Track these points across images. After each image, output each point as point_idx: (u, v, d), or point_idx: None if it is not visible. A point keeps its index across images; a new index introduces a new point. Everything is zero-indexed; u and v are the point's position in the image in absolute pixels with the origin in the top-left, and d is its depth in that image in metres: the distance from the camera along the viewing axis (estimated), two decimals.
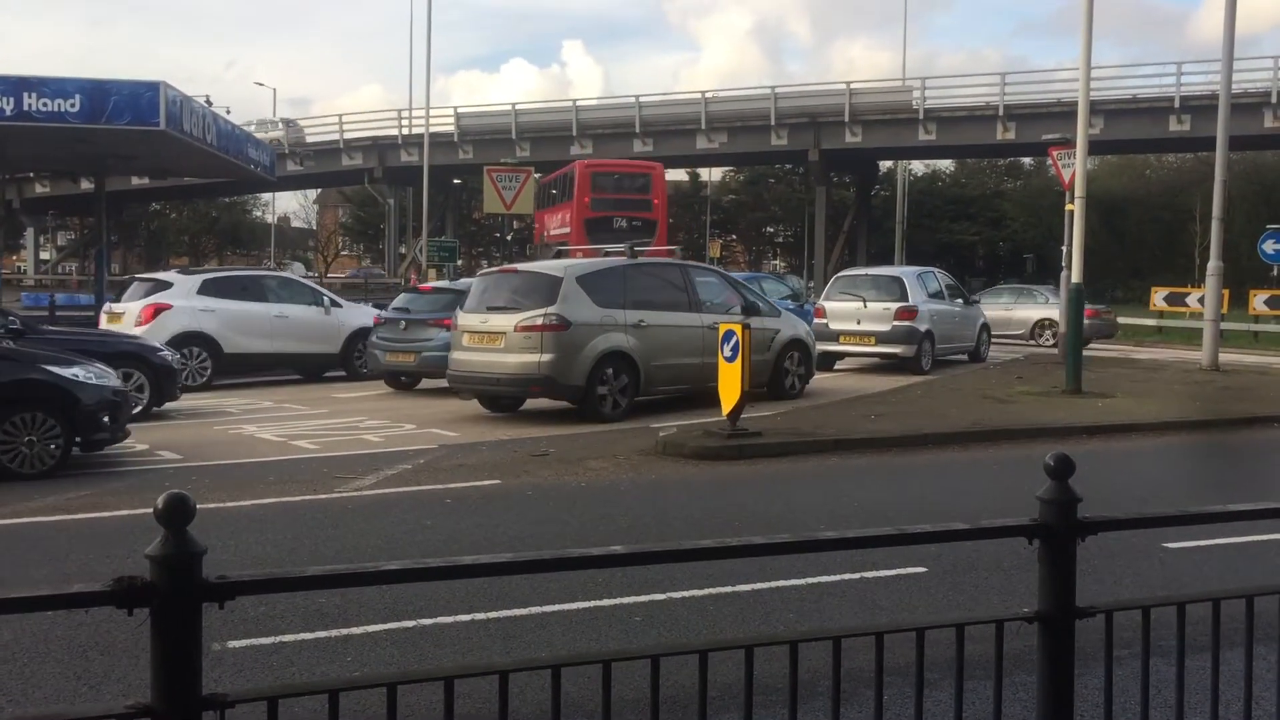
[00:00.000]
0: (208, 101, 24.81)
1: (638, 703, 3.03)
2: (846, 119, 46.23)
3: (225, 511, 8.32)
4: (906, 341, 19.58)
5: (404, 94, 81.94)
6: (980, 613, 5.36)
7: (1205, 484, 10.21)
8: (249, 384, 18.19)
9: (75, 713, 3.82)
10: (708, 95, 49.83)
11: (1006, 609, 2.80)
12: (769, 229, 78.58)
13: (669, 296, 14.48)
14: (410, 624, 5.58)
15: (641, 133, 49.02)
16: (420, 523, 8.05)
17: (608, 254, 19.43)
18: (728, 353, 11.22)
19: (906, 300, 19.79)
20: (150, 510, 2.09)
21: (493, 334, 13.54)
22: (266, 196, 76.97)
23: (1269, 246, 29.38)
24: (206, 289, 18.00)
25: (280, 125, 57.99)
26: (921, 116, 45.19)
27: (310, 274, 68.95)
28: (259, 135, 40.02)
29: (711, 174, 72.78)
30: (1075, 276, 16.84)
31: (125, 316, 17.50)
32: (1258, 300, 31.79)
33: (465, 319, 14.00)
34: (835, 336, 19.75)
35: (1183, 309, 34.00)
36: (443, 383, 16.77)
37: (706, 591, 6.09)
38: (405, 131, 53.15)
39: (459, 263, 43.54)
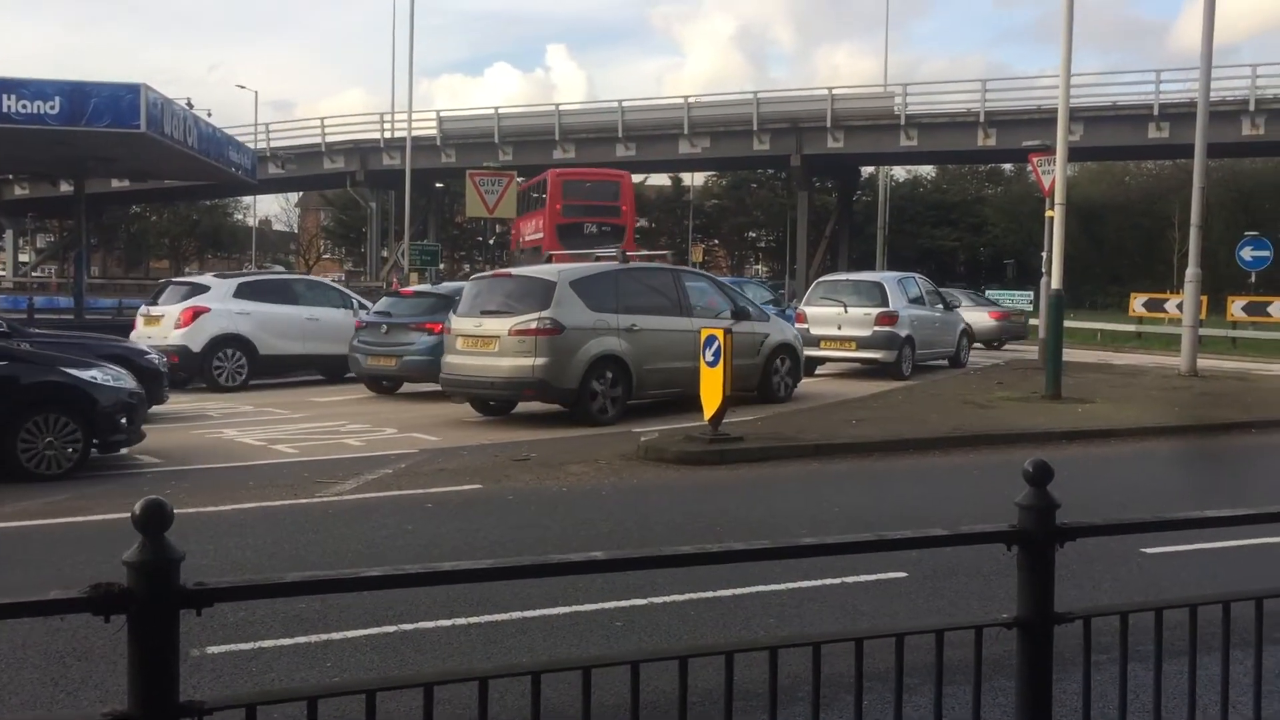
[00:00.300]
0: (189, 104, 24.69)
1: (618, 708, 3.03)
2: (829, 124, 46.39)
3: (205, 516, 8.28)
4: (887, 347, 19.63)
5: (386, 97, 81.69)
6: (960, 618, 5.39)
7: (1183, 489, 10.28)
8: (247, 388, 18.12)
9: (53, 719, 3.80)
10: (690, 100, 49.94)
11: (986, 614, 2.81)
12: (751, 234, 78.78)
13: (660, 301, 14.59)
14: (391, 629, 5.57)
15: (624, 137, 49.07)
16: (401, 528, 8.03)
17: (599, 259, 19.49)
18: (710, 357, 11.24)
19: (887, 305, 19.86)
20: (129, 515, 2.08)
21: (487, 338, 13.59)
22: (248, 199, 76.72)
23: (1246, 253, 29.65)
24: (242, 292, 18.44)
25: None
26: (903, 122, 45.38)
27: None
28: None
29: (694, 179, 72.91)
30: (1055, 282, 16.94)
31: (164, 319, 17.93)
32: (1235, 306, 32.04)
33: (459, 323, 14.04)
34: (816, 341, 19.78)
35: (1161, 315, 34.23)
36: (424, 387, 16.78)
37: (687, 596, 6.09)
38: (387, 135, 53.04)
39: (441, 267, 43.47)
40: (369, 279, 53.89)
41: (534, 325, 13.28)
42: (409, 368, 16.35)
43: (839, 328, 19.96)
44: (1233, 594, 3.11)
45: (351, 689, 2.31)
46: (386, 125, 53.39)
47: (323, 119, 57.51)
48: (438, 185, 60.38)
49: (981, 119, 44.17)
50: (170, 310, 18.08)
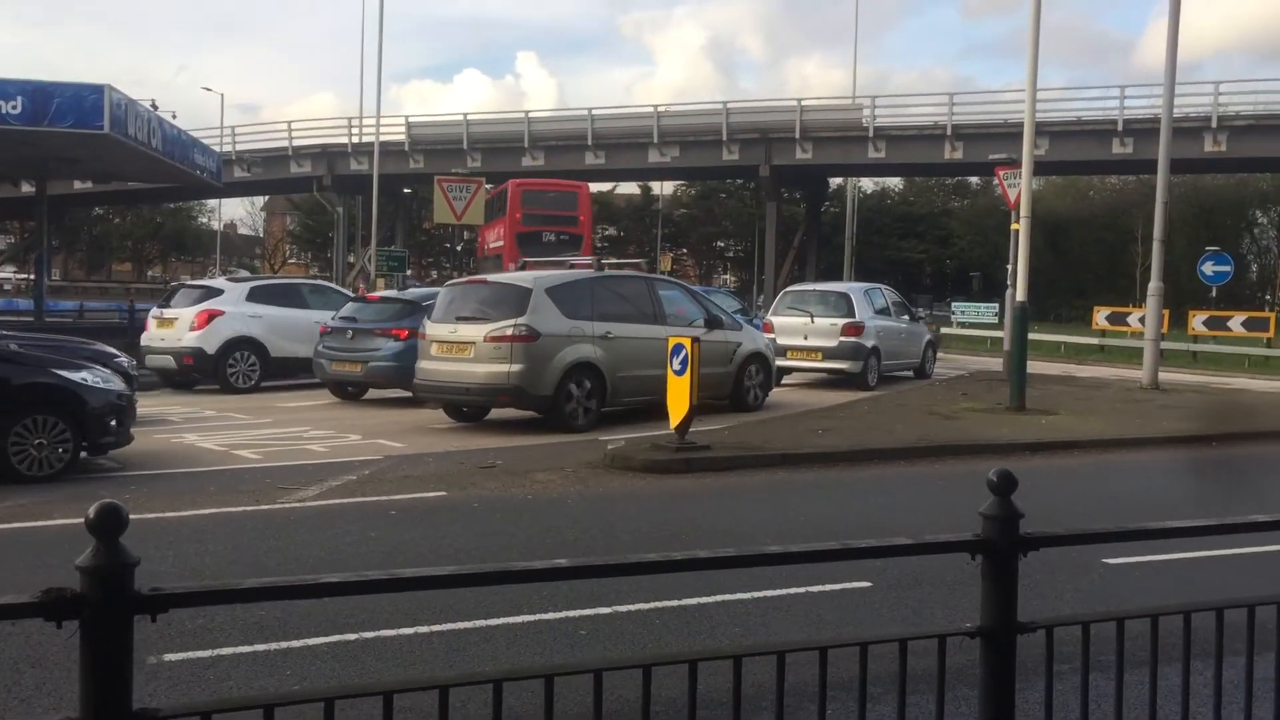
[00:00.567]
0: (153, 105, 24.48)
1: (582, 716, 3.01)
2: (797, 135, 46.61)
3: (164, 522, 8.18)
4: (853, 357, 19.72)
5: (355, 102, 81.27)
6: (924, 627, 5.40)
7: (1145, 501, 10.36)
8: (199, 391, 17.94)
9: None
10: (660, 109, 50.03)
11: (950, 624, 2.81)
12: (720, 243, 79.01)
13: (635, 309, 14.64)
14: (352, 637, 5.51)
15: (594, 145, 49.07)
16: (364, 535, 7.96)
17: (572, 266, 19.52)
18: (677, 366, 11.24)
19: (854, 316, 19.95)
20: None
21: (462, 344, 13.58)
22: (213, 203, 76.14)
23: (1208, 268, 30.03)
24: (254, 296, 18.79)
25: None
26: (871, 134, 45.66)
27: None
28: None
29: (663, 187, 73.05)
30: (1020, 295, 17.07)
31: (179, 322, 18.24)
32: (1197, 321, 32.45)
33: (434, 328, 14.01)
34: (783, 351, 19.81)
35: (1124, 328, 34.61)
36: (390, 393, 16.68)
37: (652, 605, 6.07)
38: (355, 140, 52.75)
39: (408, 272, 43.29)
40: (335, 284, 53.51)
41: (510, 332, 13.27)
42: (374, 373, 16.26)
43: (805, 338, 20.02)
44: (1194, 605, 3.13)
45: (310, 697, 2.27)
46: (354, 130, 53.12)
47: (290, 123, 57.17)
48: (406, 191, 60.17)
49: (949, 132, 44.52)
50: (185, 313, 18.35)
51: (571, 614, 5.91)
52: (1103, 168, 51.52)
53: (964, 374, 23.54)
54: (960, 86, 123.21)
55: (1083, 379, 23.25)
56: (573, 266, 18.05)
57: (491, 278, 16.23)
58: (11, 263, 65.63)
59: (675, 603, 6.10)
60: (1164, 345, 23.65)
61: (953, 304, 45.82)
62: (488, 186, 31.84)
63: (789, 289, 23.46)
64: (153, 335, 18.54)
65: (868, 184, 66.76)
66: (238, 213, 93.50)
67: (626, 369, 13.97)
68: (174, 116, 28.08)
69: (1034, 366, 20.14)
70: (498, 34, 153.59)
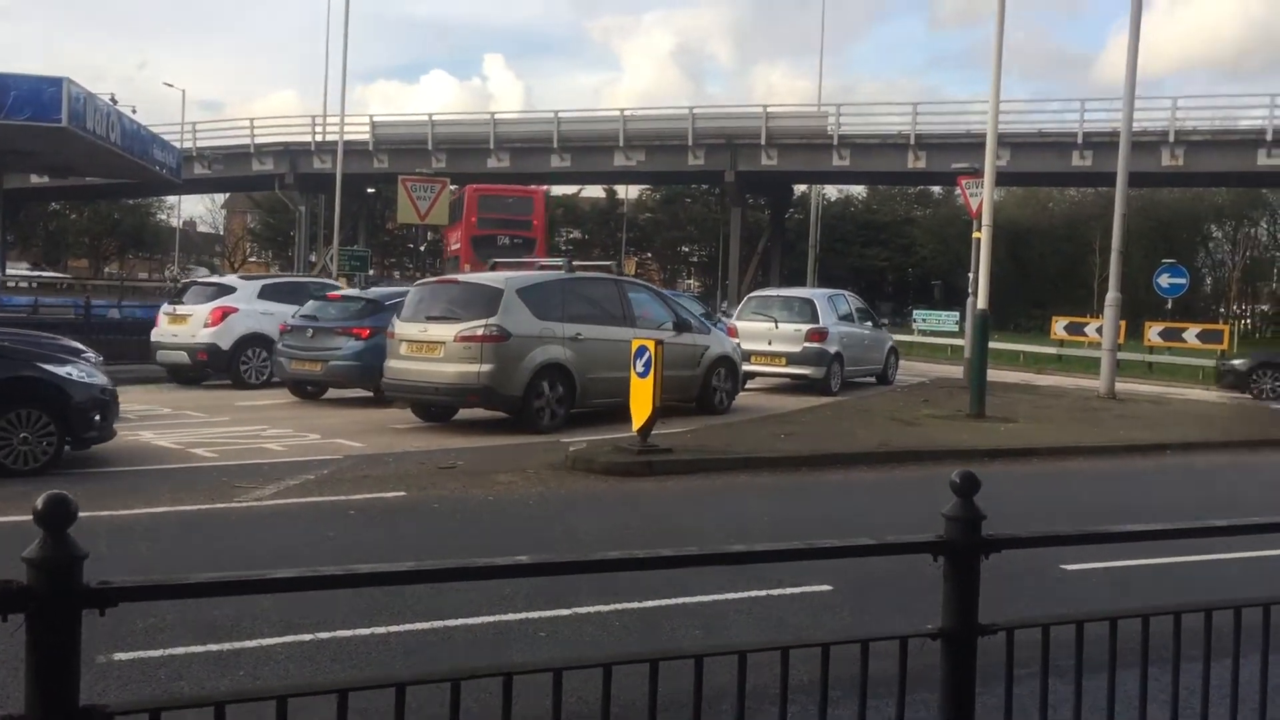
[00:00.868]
0: (113, 100, 24.16)
1: (541, 718, 2.98)
2: (763, 142, 46.78)
3: (116, 520, 8.05)
4: (816, 363, 19.80)
5: (319, 101, 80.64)
6: (885, 630, 5.40)
7: (1103, 507, 10.45)
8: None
9: None
10: (626, 113, 50.04)
11: (911, 627, 2.80)
12: (684, 248, 79.07)
13: (605, 311, 14.67)
14: (307, 637, 5.44)
15: (560, 148, 49.01)
16: (322, 534, 7.88)
17: (542, 268, 19.51)
18: (640, 368, 11.22)
19: (817, 322, 20.04)
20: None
21: (431, 343, 13.55)
22: (172, 200, 75.19)
23: (1164, 280, 30.39)
24: (265, 293, 19.07)
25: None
26: (836, 142, 45.92)
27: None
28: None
29: (628, 191, 73.05)
30: (981, 303, 17.22)
31: (193, 318, 18.52)
32: (1153, 332, 32.84)
33: (403, 328, 13.95)
34: (747, 356, 19.84)
35: (1082, 338, 34.97)
36: (350, 393, 16.55)
37: (612, 607, 6.04)
38: (319, 138, 52.36)
39: (370, 272, 43.02)
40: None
41: (480, 332, 13.25)
42: (335, 373, 16.12)
43: (769, 343, 20.08)
44: (1152, 609, 3.15)
45: (262, 695, 2.23)
46: (318, 128, 52.72)
47: (252, 120, 56.62)
48: (369, 190, 59.79)
49: (913, 141, 44.86)
50: (199, 309, 18.61)
51: (531, 615, 5.87)
52: (1063, 179, 52.14)
53: (925, 381, 23.69)
54: (925, 97, 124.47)
55: (1041, 387, 23.48)
56: (543, 268, 18.04)
57: (462, 278, 16.20)
58: None
59: (636, 605, 6.08)
60: (1121, 356, 23.92)
61: (914, 312, 46.10)
62: (452, 188, 31.93)
63: (753, 294, 23.52)
64: (164, 331, 18.83)
65: (832, 191, 67.29)
66: (197, 210, 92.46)
67: (596, 370, 13.97)
68: (134, 111, 27.71)
69: (994, 375, 20.30)
70: (465, 36, 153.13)
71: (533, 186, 41.27)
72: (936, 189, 67.98)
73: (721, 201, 61.48)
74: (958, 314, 37.83)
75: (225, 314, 18.37)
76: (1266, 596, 3.30)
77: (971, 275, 23.12)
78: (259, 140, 54.65)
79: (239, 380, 18.23)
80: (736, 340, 19.78)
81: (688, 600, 6.22)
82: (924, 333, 41.57)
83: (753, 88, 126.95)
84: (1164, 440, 14.78)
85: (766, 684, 2.94)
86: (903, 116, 46.74)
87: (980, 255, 18.30)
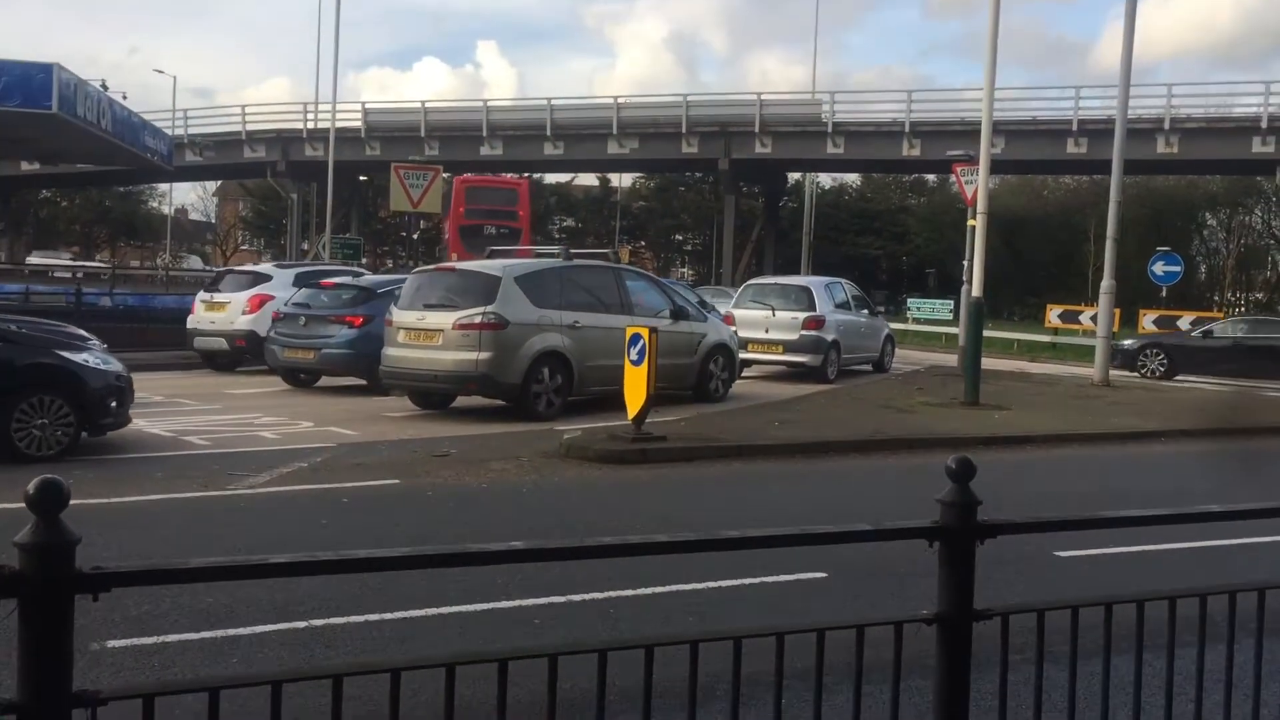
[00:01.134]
0: (104, 86, 24.03)
1: (534, 704, 2.97)
2: (757, 129, 46.69)
3: (109, 507, 8.03)
4: (813, 351, 19.83)
5: (311, 88, 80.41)
6: (880, 616, 5.40)
7: (1097, 494, 10.48)
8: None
9: None
10: (620, 100, 49.93)
11: (906, 612, 2.80)
12: (678, 236, 78.97)
13: (602, 299, 14.70)
14: (301, 625, 5.43)
15: (553, 136, 48.89)
16: (315, 522, 7.87)
17: (539, 255, 19.55)
18: (634, 356, 11.21)
19: (814, 310, 20.06)
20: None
21: (430, 331, 13.56)
22: (163, 187, 74.98)
23: (1158, 268, 30.44)
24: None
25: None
26: (830, 130, 45.84)
27: (209, 267, 67.39)
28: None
29: (622, 179, 72.97)
30: (976, 291, 17.22)
31: (231, 306, 18.84)
32: (1147, 320, 32.92)
33: (401, 315, 13.96)
34: (744, 344, 19.85)
35: (1076, 326, 35.02)
36: (343, 381, 16.52)
37: (607, 594, 6.04)
38: (311, 125, 52.19)
39: (363, 260, 42.95)
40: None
41: (478, 320, 13.26)
42: (327, 360, 16.09)
43: (766, 331, 20.10)
44: (1147, 594, 3.15)
45: (255, 680, 2.22)
46: (310, 115, 52.55)
47: (244, 107, 56.40)
48: (362, 178, 59.59)
49: (907, 129, 44.81)
50: (236, 297, 18.92)
51: (526, 602, 5.87)
52: (1058, 167, 52.11)
53: (919, 369, 23.70)
54: (920, 85, 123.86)
55: (1035, 375, 23.50)
56: (539, 256, 18.09)
57: (460, 265, 16.18)
58: None
59: (631, 592, 6.08)
60: (1115, 343, 24.01)
61: (909, 300, 46.10)
62: (445, 175, 31.97)
63: (750, 282, 23.52)
64: (201, 318, 19.17)
65: (826, 179, 67.10)
66: (189, 197, 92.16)
67: (594, 358, 13.98)
68: (124, 98, 27.60)
69: (988, 363, 20.31)
70: (458, 22, 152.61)
71: (519, 178, 42.28)
72: (931, 177, 67.90)
73: (715, 189, 61.44)
74: (952, 302, 37.85)
75: (263, 301, 18.54)
76: (1260, 581, 3.30)
77: (966, 263, 23.13)
78: (250, 127, 54.43)
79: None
80: (734, 328, 19.86)
81: (683, 587, 6.22)
82: (918, 321, 41.58)
83: (747, 75, 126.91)
84: (1158, 428, 14.81)
85: (761, 670, 2.93)
86: (897, 104, 46.76)
87: (975, 243, 18.30)
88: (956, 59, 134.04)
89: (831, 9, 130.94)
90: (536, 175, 66.24)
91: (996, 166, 28.97)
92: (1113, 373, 24.22)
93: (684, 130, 47.46)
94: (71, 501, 2.03)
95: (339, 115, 44.36)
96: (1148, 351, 25.78)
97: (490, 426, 13.02)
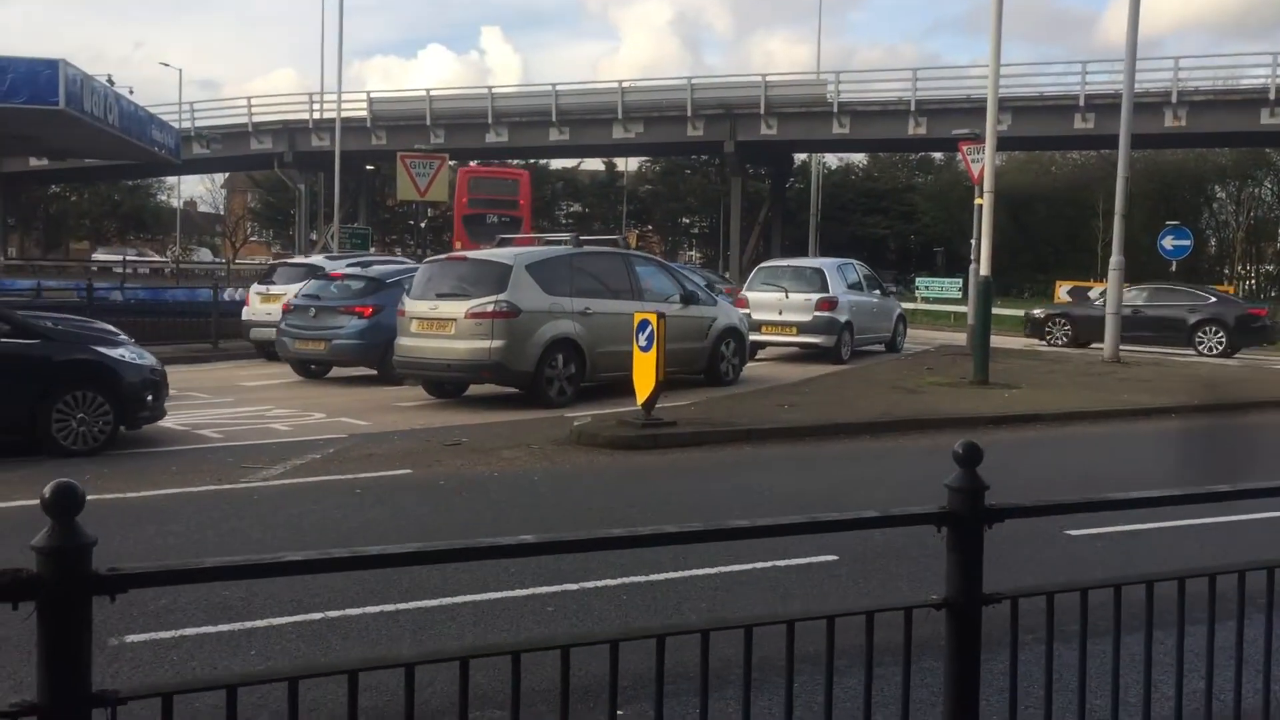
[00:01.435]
0: (109, 81, 24.07)
1: (548, 692, 3.00)
2: (762, 111, 46.55)
3: (125, 503, 8.09)
4: (827, 332, 19.89)
5: (317, 78, 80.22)
6: (890, 600, 5.43)
7: (1107, 473, 10.47)
8: None
9: None
10: (624, 85, 49.81)
11: (916, 596, 2.82)
12: (685, 220, 78.84)
13: (612, 285, 14.73)
14: (317, 616, 5.47)
15: (558, 121, 48.81)
16: (329, 513, 7.91)
17: (548, 243, 19.62)
18: (643, 342, 11.22)
19: (827, 291, 20.09)
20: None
21: (442, 320, 13.62)
22: (171, 180, 75.03)
23: (1168, 242, 30.28)
24: None
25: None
26: (836, 110, 45.67)
27: (218, 260, 67.53)
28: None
29: (628, 164, 72.78)
30: (984, 269, 17.19)
31: (285, 298, 18.78)
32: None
33: (413, 305, 14.03)
34: (758, 326, 19.96)
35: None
36: (353, 371, 16.57)
37: (619, 581, 6.07)
38: (317, 116, 52.18)
39: (372, 250, 43.02)
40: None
41: (490, 308, 13.32)
42: (338, 351, 16.13)
43: (780, 313, 20.16)
44: (1156, 574, 3.16)
45: (272, 677, 2.25)
46: (316, 106, 52.55)
47: (249, 99, 56.37)
48: (369, 168, 59.61)
49: (912, 108, 44.62)
50: (291, 289, 18.89)
51: (539, 591, 5.90)
52: (1065, 143, 51.86)
53: (929, 349, 23.67)
54: (926, 63, 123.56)
55: (1045, 353, 23.46)
56: (548, 243, 18.16)
57: (471, 254, 16.23)
58: None
59: (642, 578, 6.11)
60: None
61: (917, 279, 45.96)
62: (451, 163, 32.13)
63: (763, 265, 23.57)
64: (257, 310, 19.62)
65: (832, 160, 66.93)
66: (197, 190, 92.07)
67: (605, 344, 14.01)
68: (131, 92, 27.63)
69: (997, 341, 20.30)
70: (462, 9, 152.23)
71: (520, 169, 43.39)
72: (938, 155, 67.71)
73: (721, 172, 61.24)
74: (960, 281, 37.75)
75: None
76: (1271, 560, 3.31)
77: (974, 241, 23.06)
78: (257, 119, 54.45)
79: None
80: (746, 311, 19.94)
81: (694, 573, 6.25)
82: (927, 300, 41.48)
83: (751, 56, 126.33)
84: (1168, 404, 14.78)
85: (773, 655, 2.96)
86: (903, 83, 46.49)
87: (982, 221, 18.24)
88: (962, 36, 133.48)
89: None
90: (542, 161, 66.24)
91: (1003, 144, 28.90)
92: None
93: (689, 113, 47.33)
94: (90, 498, 2.05)
95: (344, 105, 44.42)
96: (1054, 320, 26.85)
97: (501, 414, 13.05)
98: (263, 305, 19.60)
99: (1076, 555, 6.95)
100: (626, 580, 6.08)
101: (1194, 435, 13.30)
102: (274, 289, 19.63)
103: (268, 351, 19.26)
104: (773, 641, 2.76)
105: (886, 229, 68.63)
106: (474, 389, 14.59)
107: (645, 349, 11.20)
